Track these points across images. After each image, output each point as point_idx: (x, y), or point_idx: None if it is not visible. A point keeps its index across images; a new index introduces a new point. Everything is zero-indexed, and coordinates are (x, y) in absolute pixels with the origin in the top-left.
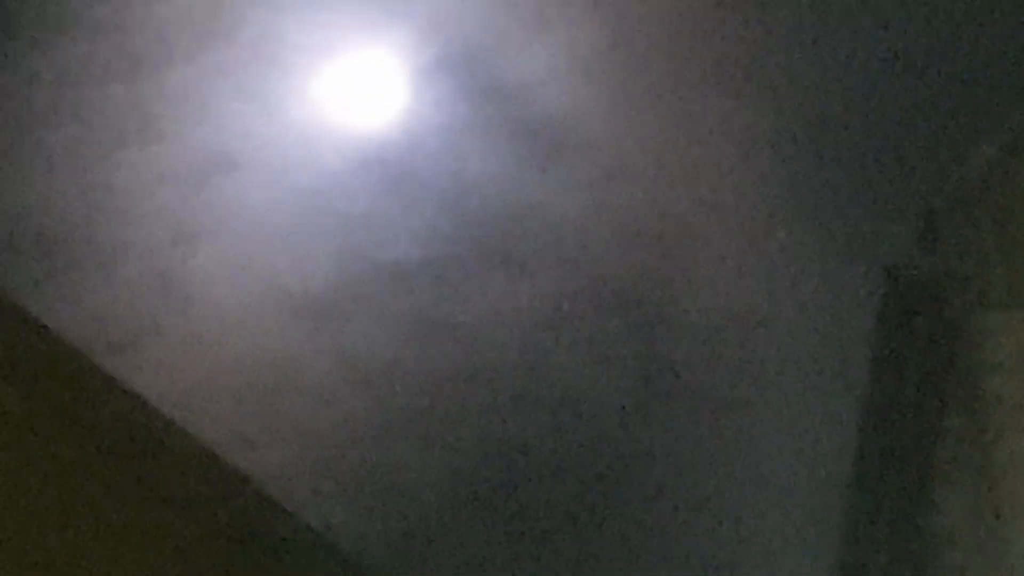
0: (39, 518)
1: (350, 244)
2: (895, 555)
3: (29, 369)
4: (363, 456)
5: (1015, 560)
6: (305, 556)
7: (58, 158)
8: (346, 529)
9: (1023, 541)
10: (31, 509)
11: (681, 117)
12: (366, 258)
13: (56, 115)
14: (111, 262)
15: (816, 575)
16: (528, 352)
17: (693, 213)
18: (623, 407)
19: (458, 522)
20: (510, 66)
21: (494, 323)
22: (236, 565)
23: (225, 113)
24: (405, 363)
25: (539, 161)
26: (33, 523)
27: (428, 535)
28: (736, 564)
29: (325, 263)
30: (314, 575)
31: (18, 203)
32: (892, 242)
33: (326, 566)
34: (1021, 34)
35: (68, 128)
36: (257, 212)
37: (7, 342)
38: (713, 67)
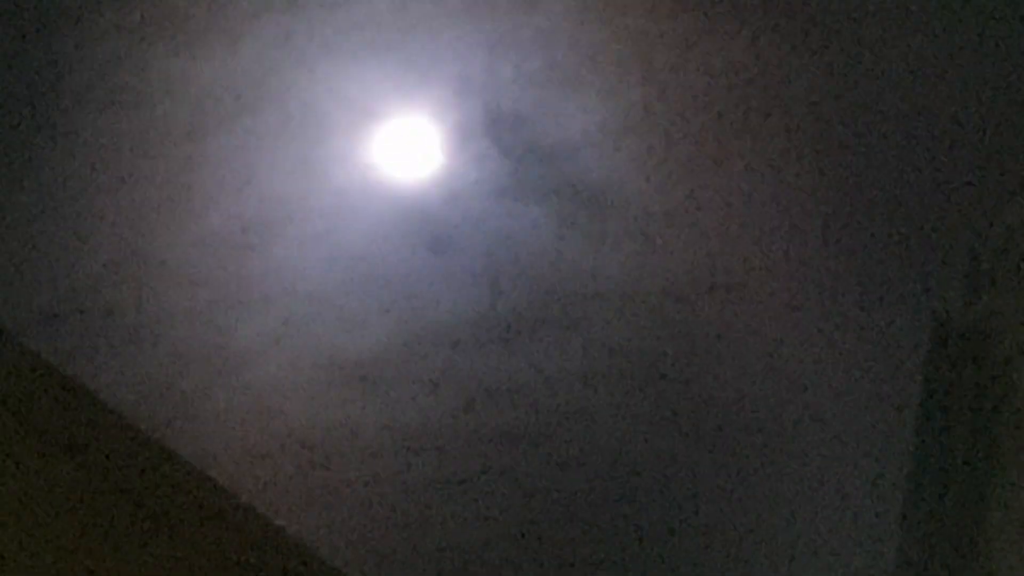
0: None
1: (395, 307)
2: None
3: (85, 441)
4: (417, 518)
5: None
6: None
7: (101, 227)
8: None
9: None
10: None
11: (719, 176)
12: (411, 321)
13: (95, 185)
14: (159, 331)
15: None
16: (574, 412)
17: (733, 272)
18: (669, 467)
19: None
20: (548, 126)
21: (540, 384)
22: None
23: (266, 179)
24: (455, 426)
25: (579, 221)
26: None
27: None
28: None
29: (371, 327)
30: None
31: (63, 272)
32: (937, 291)
33: None
34: None
35: (109, 197)
36: (301, 278)
37: (62, 414)
38: (750, 125)
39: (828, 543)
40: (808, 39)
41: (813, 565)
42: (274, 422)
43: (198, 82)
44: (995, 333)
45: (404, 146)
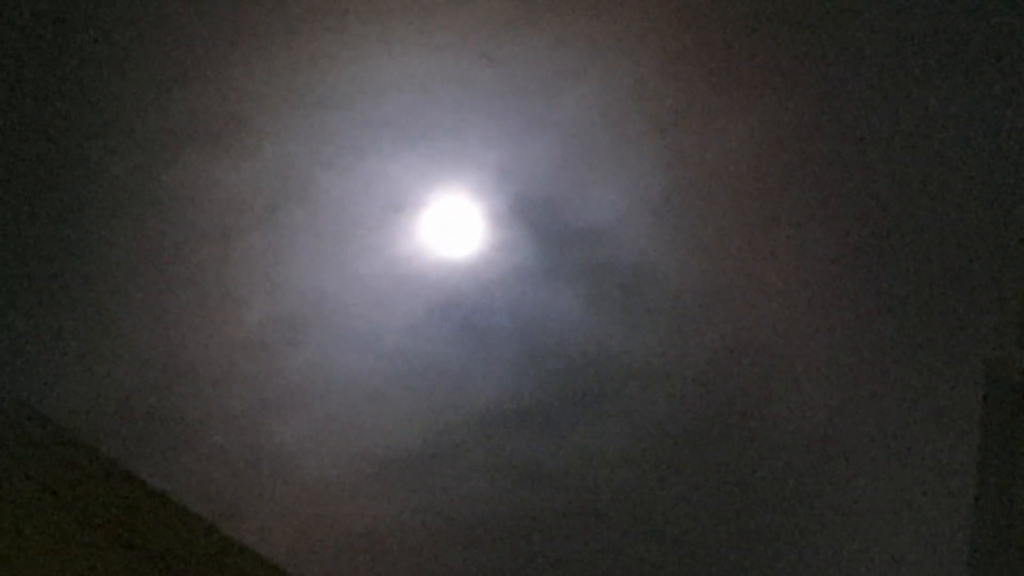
0: None
1: (434, 398)
2: None
3: (144, 536)
4: None
5: None
6: None
7: (138, 330)
8: None
9: None
10: None
11: (753, 251)
12: (450, 410)
13: (131, 287)
14: (202, 434)
15: None
16: (620, 493)
17: (773, 344)
18: (717, 546)
19: None
20: (581, 209)
21: (583, 466)
22: None
23: (297, 276)
24: (500, 513)
25: (614, 304)
26: None
27: None
28: None
29: (411, 419)
30: None
31: (103, 373)
32: (990, 338)
33: None
34: None
35: (145, 300)
36: (339, 374)
37: (125, 509)
38: (782, 198)
39: None
40: (825, 103)
41: None
42: (322, 522)
43: (227, 182)
44: None
45: (435, 236)
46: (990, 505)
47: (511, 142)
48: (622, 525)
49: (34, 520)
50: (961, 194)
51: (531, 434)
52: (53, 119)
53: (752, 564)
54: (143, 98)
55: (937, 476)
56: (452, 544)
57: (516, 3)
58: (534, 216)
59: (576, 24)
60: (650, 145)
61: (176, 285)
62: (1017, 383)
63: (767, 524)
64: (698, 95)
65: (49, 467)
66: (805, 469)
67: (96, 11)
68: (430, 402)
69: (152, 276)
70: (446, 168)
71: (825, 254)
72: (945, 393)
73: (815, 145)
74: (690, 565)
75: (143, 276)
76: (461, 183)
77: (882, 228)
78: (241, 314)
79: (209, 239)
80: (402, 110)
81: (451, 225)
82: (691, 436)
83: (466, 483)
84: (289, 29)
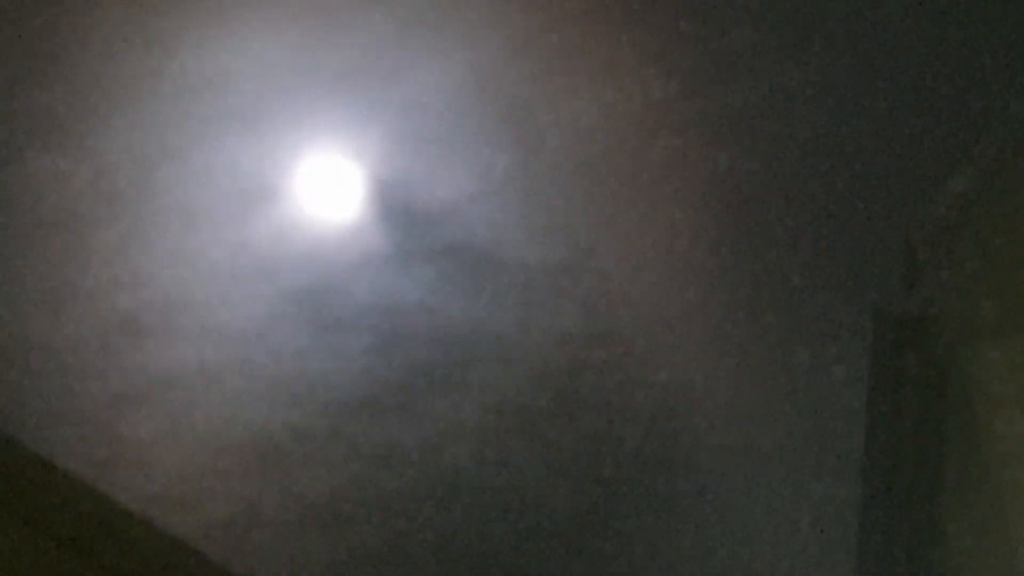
0: None
1: (287, 386)
2: None
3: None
4: None
5: None
6: None
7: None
8: None
9: None
10: None
11: (604, 231)
12: (304, 397)
13: None
14: (52, 428)
15: None
16: (475, 470)
17: (627, 323)
18: (576, 519)
19: None
20: (428, 192)
21: (438, 446)
22: None
23: (145, 268)
24: (358, 495)
25: (464, 285)
26: None
27: None
28: None
29: (263, 409)
30: None
31: None
32: (875, 285)
33: None
34: (987, 62)
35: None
36: (188, 366)
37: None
38: (633, 178)
39: (782, 533)
40: (675, 83)
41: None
42: (180, 510)
43: (72, 175)
44: (936, 321)
45: (283, 225)
46: (877, 440)
47: (357, 127)
48: (479, 502)
49: None
50: (824, 160)
51: (385, 417)
52: None
53: (609, 540)
54: None
55: (810, 454)
56: (311, 528)
57: None
58: (381, 201)
59: (423, 3)
60: (496, 127)
61: (21, 279)
62: (901, 323)
63: (625, 499)
64: (545, 76)
65: None
66: (662, 445)
67: None
68: (283, 391)
69: None
70: (292, 156)
71: (679, 231)
72: (811, 370)
73: (666, 125)
74: (545, 540)
75: None
76: (307, 170)
77: (736, 205)
78: (90, 309)
79: (54, 233)
80: (245, 98)
81: (299, 213)
82: (545, 413)
83: (323, 468)
84: (129, 20)
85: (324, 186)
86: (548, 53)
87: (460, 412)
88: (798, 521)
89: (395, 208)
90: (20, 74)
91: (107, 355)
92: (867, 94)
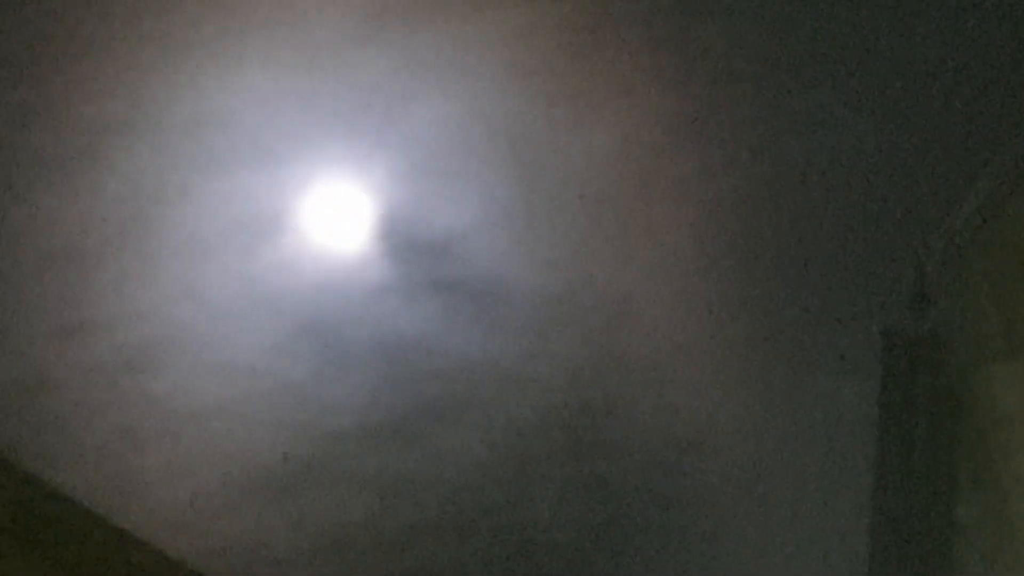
0: None
1: (294, 417)
2: None
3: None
4: None
5: None
6: None
7: None
8: None
9: None
10: None
11: (607, 260)
12: (312, 428)
13: None
14: (57, 465)
15: None
16: (482, 501)
17: (631, 352)
18: (584, 550)
19: None
20: (432, 224)
21: (444, 477)
22: None
23: (151, 302)
24: (364, 526)
25: (469, 316)
26: None
27: None
28: None
29: (272, 439)
30: None
31: None
32: (886, 308)
33: None
34: (997, 89)
35: None
36: (195, 398)
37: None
38: (634, 208)
39: (797, 551)
40: (683, 120)
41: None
42: (192, 543)
43: (78, 209)
44: (946, 344)
45: (289, 256)
46: (889, 462)
47: (360, 162)
48: (485, 534)
49: None
50: (835, 186)
51: (392, 447)
52: None
53: (619, 571)
54: None
55: (817, 483)
56: (317, 559)
57: (362, 22)
58: (384, 234)
59: (424, 40)
60: (496, 159)
61: (29, 315)
62: (912, 345)
63: (633, 530)
64: (544, 110)
65: None
66: (672, 475)
67: None
68: (291, 421)
69: (4, 303)
70: (296, 191)
71: (685, 258)
72: (816, 397)
73: (668, 154)
74: (553, 573)
75: None
76: (311, 205)
77: (743, 231)
78: (96, 343)
79: (62, 269)
80: (249, 135)
81: (303, 248)
82: (551, 444)
83: (330, 498)
84: (135, 58)
85: (328, 221)
86: (547, 87)
87: (466, 443)
88: (810, 549)
89: (399, 241)
90: (23, 111)
91: (115, 389)
92: (877, 120)
